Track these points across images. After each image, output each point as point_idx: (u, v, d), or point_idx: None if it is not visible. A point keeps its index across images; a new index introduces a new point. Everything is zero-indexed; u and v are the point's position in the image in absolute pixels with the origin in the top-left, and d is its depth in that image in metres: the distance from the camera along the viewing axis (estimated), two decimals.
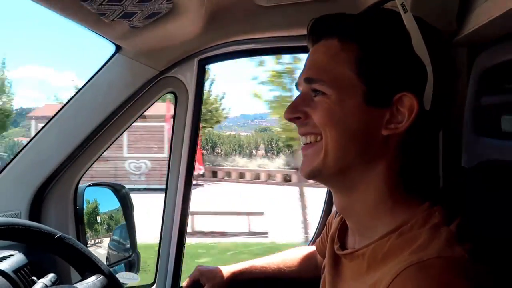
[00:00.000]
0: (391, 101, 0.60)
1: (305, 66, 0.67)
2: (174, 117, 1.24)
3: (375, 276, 0.57)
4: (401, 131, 0.60)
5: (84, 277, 0.84)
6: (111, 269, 1.17)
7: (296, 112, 0.65)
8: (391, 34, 0.61)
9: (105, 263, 0.87)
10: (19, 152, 1.14)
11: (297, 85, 0.69)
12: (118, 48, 1.09)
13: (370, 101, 0.60)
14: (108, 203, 1.49)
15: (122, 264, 1.45)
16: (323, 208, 1.33)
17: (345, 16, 0.65)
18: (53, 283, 0.84)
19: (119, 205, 1.51)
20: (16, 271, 0.95)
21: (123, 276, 1.39)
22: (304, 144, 0.66)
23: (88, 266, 0.85)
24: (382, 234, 0.60)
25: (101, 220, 1.46)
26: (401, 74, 0.60)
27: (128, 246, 1.50)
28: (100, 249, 1.42)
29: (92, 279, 0.82)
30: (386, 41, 0.60)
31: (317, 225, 1.34)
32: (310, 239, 1.35)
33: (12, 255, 1.00)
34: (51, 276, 0.85)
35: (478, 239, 0.55)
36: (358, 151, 0.61)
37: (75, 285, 0.78)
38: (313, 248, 1.09)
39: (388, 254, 0.58)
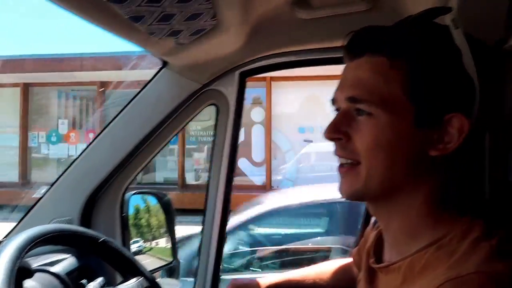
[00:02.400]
0: (441, 122, 0.58)
1: (344, 82, 0.64)
2: (215, 128, 1.28)
3: None
4: (450, 151, 0.58)
5: (125, 279, 0.88)
6: (152, 274, 1.22)
7: (338, 132, 0.62)
8: (442, 52, 0.58)
9: (144, 266, 0.90)
10: (73, 162, 1.21)
11: (333, 101, 0.66)
12: (164, 63, 1.15)
13: (419, 123, 0.58)
14: (152, 210, 1.55)
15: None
16: (362, 219, 1.31)
17: (391, 30, 0.62)
18: (102, 287, 0.88)
19: (162, 212, 1.56)
20: (68, 273, 1.01)
21: (165, 282, 1.43)
22: (341, 165, 0.64)
23: (130, 269, 0.89)
24: (420, 247, 0.59)
25: (144, 227, 1.51)
26: (452, 94, 0.58)
27: (170, 252, 1.54)
28: (143, 255, 1.47)
29: (133, 281, 0.86)
30: (437, 59, 0.58)
31: (356, 237, 1.33)
32: None
33: (65, 258, 1.07)
34: (100, 280, 0.89)
35: None
36: (405, 174, 0.59)
37: (117, 287, 0.82)
38: (349, 260, 1.07)
39: (425, 267, 0.56)
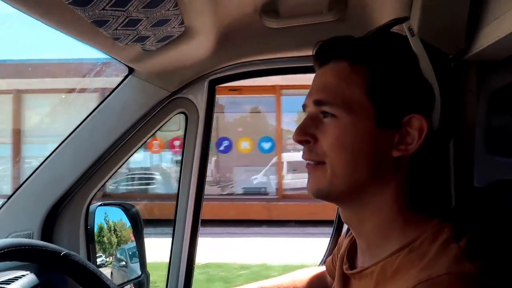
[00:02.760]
0: (400, 123, 0.60)
1: (312, 88, 0.67)
2: (184, 137, 1.25)
3: None
4: (411, 152, 0.60)
5: None
6: None
7: (305, 134, 0.65)
8: (400, 57, 0.62)
9: (110, 280, 0.87)
10: (33, 172, 1.15)
11: (304, 107, 0.69)
12: (131, 70, 1.12)
13: (380, 123, 0.60)
14: (118, 222, 1.50)
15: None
16: (334, 227, 1.31)
17: (353, 39, 0.66)
18: None
19: (129, 224, 1.52)
20: None
21: None
22: (308, 164, 0.66)
23: (94, 283, 0.84)
24: (391, 251, 0.60)
25: (111, 239, 1.46)
26: (410, 96, 0.60)
27: (138, 266, 1.49)
28: (109, 269, 1.41)
29: None
30: (396, 64, 0.61)
31: (327, 244, 1.33)
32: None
33: (23, 275, 1.01)
34: None
35: (489, 255, 0.54)
36: (368, 174, 0.61)
37: None
38: (323, 268, 1.07)
39: (397, 271, 0.57)
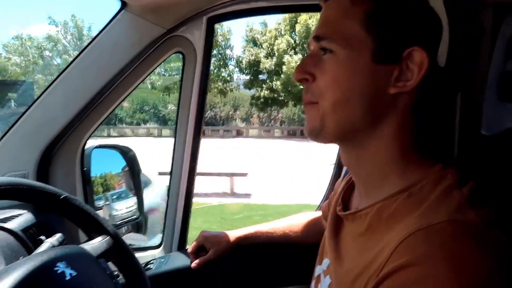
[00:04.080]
0: (400, 57, 0.56)
1: (317, 24, 0.63)
2: (182, 77, 1.20)
3: (380, 239, 0.54)
4: (410, 89, 0.56)
5: (90, 238, 0.84)
6: (118, 230, 1.18)
7: (304, 73, 0.62)
8: None
9: (111, 224, 0.86)
10: (24, 112, 1.11)
11: (308, 45, 0.65)
12: (123, 4, 1.04)
13: (378, 58, 0.56)
14: (116, 165, 1.49)
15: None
16: (333, 172, 1.31)
17: None
18: (60, 243, 0.84)
19: (127, 167, 1.51)
20: (25, 230, 0.96)
21: (131, 237, 1.41)
22: (305, 104, 0.64)
23: (94, 227, 0.84)
24: (389, 194, 0.58)
25: (108, 182, 1.46)
26: (412, 27, 0.56)
27: (136, 207, 1.51)
28: (107, 211, 1.43)
29: (98, 239, 0.82)
30: None
31: (326, 189, 1.33)
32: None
33: (20, 214, 1.01)
34: (58, 236, 0.85)
35: (492, 204, 0.52)
36: (362, 112, 0.58)
37: (82, 245, 0.78)
38: (319, 213, 1.08)
39: (394, 215, 0.55)
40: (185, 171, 1.24)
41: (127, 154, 1.52)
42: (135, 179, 1.53)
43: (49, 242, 0.82)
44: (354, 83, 0.57)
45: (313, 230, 1.08)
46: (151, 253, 1.32)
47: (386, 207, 0.57)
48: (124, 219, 1.43)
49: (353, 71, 0.57)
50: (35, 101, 1.11)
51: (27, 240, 0.95)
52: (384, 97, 0.57)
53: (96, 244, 0.81)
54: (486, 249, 0.46)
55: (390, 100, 0.57)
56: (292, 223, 1.12)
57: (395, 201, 0.56)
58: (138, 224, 1.50)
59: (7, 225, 0.94)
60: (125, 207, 1.49)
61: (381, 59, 0.56)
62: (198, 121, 1.21)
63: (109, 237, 0.84)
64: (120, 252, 0.85)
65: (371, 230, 0.58)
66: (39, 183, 0.80)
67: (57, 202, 0.80)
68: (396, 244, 0.49)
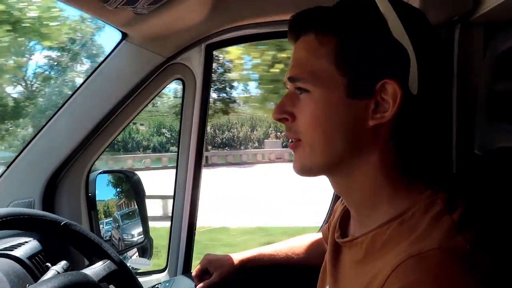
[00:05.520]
0: (373, 91, 0.57)
1: (290, 65, 0.65)
2: (182, 104, 1.23)
3: (375, 265, 0.55)
4: (387, 119, 0.57)
5: (91, 262, 0.86)
6: (123, 255, 1.19)
7: (283, 113, 0.64)
8: (366, 21, 0.58)
9: (111, 248, 0.88)
10: (31, 140, 1.15)
11: (284, 84, 0.67)
12: (124, 35, 1.08)
13: (352, 93, 0.58)
14: (120, 190, 1.51)
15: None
16: (333, 195, 1.31)
17: (320, 9, 0.62)
18: (65, 270, 0.85)
19: (132, 191, 1.53)
20: (31, 257, 0.98)
21: (135, 262, 1.42)
22: (290, 142, 0.66)
23: (95, 251, 0.86)
24: (382, 222, 0.58)
25: (113, 207, 1.48)
26: (381, 61, 0.57)
27: (141, 231, 1.52)
28: (113, 236, 1.44)
29: (99, 263, 0.84)
30: (362, 29, 0.58)
31: (327, 211, 1.33)
32: None
33: (27, 242, 1.03)
34: (63, 263, 0.86)
35: (482, 228, 0.53)
36: (346, 146, 0.60)
37: (84, 270, 0.80)
38: (321, 235, 1.08)
39: (387, 242, 0.56)
40: (188, 196, 1.26)
41: (132, 179, 1.54)
42: (139, 202, 1.55)
43: (54, 270, 0.84)
44: (333, 119, 0.59)
45: (315, 252, 1.08)
46: (156, 277, 1.33)
47: (379, 235, 0.58)
48: (131, 243, 1.44)
49: (330, 108, 0.59)
50: (41, 129, 1.15)
51: (33, 267, 0.97)
52: (364, 129, 0.59)
53: (97, 269, 0.82)
54: (474, 273, 0.47)
55: (371, 132, 0.59)
56: (294, 245, 1.12)
57: (388, 229, 0.57)
58: (143, 248, 1.51)
59: (14, 252, 0.96)
60: (131, 231, 1.50)
61: (355, 94, 0.58)
62: (199, 146, 1.24)
63: (109, 260, 0.85)
64: (121, 275, 0.87)
65: (367, 258, 0.59)
66: (40, 212, 0.82)
67: (58, 229, 0.83)
68: (389, 271, 0.50)
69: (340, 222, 0.75)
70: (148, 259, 1.45)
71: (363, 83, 0.58)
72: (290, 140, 0.65)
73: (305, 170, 0.64)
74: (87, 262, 0.88)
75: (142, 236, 1.47)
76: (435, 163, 0.66)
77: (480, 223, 0.54)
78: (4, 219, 0.74)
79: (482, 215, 0.56)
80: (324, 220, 1.33)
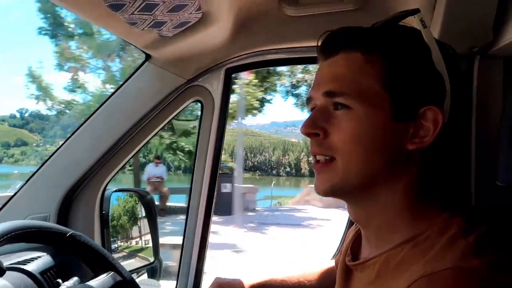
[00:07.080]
0: (416, 115, 0.59)
1: (319, 79, 0.64)
2: (199, 126, 1.25)
3: (388, 286, 0.55)
4: (427, 144, 0.59)
5: (96, 274, 0.85)
6: (133, 274, 1.18)
7: (315, 127, 0.62)
8: (413, 48, 0.60)
9: (116, 259, 0.88)
10: (51, 156, 1.17)
11: (309, 100, 0.66)
12: (148, 57, 1.12)
13: (396, 115, 0.59)
14: (133, 209, 1.51)
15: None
16: (347, 224, 1.30)
17: (365, 29, 0.63)
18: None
19: (144, 211, 1.53)
20: (43, 273, 0.98)
21: (145, 283, 1.40)
22: (317, 161, 0.64)
23: (100, 263, 0.86)
24: (397, 243, 0.58)
25: (125, 225, 1.48)
26: (425, 87, 0.59)
27: (151, 252, 1.51)
28: (124, 254, 1.43)
29: (103, 276, 0.83)
30: (410, 55, 0.60)
31: (340, 240, 1.31)
32: None
33: (39, 256, 1.03)
34: (74, 279, 0.86)
35: (498, 252, 0.52)
36: (382, 168, 0.60)
37: (89, 282, 0.79)
38: (333, 262, 1.06)
39: (401, 264, 0.56)
40: (200, 216, 1.25)
41: (145, 198, 1.54)
42: (151, 222, 1.54)
43: (65, 286, 0.84)
44: (375, 139, 0.59)
45: (328, 279, 1.06)
46: None
47: (393, 256, 0.58)
48: (140, 263, 1.43)
49: (374, 128, 0.59)
50: (61, 145, 1.17)
51: (45, 283, 0.96)
52: (401, 152, 0.59)
53: (100, 281, 0.82)
54: None
55: (406, 155, 0.59)
56: (306, 272, 1.10)
57: (402, 250, 0.57)
58: (153, 269, 1.50)
59: (27, 267, 0.96)
60: (140, 251, 1.49)
61: (399, 116, 0.59)
62: (214, 167, 1.24)
63: (113, 272, 0.85)
64: (126, 287, 0.86)
65: (379, 279, 0.59)
66: (47, 223, 0.83)
67: (64, 240, 0.83)
68: None
69: (352, 246, 0.74)
70: (157, 280, 1.43)
71: (408, 106, 0.59)
72: (316, 159, 0.64)
73: (334, 190, 0.62)
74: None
75: (153, 256, 1.46)
76: (454, 188, 0.66)
77: (495, 248, 0.53)
78: (14, 232, 0.75)
79: (498, 240, 0.55)
80: (337, 248, 1.31)
